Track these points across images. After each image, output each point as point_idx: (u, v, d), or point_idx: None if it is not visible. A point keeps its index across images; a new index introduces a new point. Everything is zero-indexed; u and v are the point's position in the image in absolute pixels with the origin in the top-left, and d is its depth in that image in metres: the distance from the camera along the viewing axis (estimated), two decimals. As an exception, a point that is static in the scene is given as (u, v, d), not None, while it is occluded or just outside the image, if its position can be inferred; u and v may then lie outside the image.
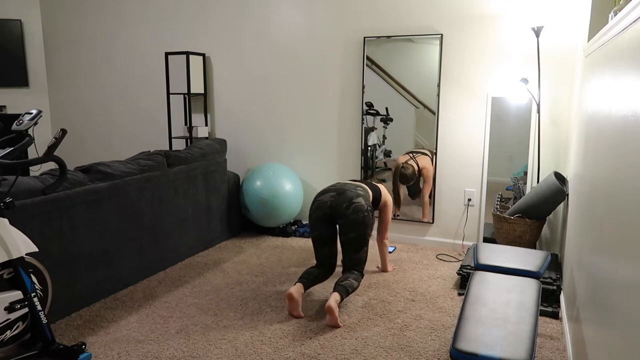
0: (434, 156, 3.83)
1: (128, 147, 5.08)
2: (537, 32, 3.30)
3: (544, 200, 3.14)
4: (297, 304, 2.67)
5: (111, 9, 4.92)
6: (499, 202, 3.58)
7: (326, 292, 3.04)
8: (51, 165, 5.17)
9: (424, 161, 3.82)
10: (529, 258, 2.84)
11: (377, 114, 3.97)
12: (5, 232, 2.07)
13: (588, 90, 2.37)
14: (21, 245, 2.13)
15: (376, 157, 4.04)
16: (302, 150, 4.33)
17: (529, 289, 2.12)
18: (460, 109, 3.72)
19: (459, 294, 3.01)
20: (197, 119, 4.67)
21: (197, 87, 4.44)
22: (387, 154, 4.00)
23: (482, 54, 3.61)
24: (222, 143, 4.04)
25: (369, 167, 4.07)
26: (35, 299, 2.16)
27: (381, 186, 3.25)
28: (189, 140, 4.49)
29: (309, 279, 2.76)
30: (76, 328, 2.57)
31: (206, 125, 4.62)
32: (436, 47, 3.70)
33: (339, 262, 3.54)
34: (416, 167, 3.83)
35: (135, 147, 5.04)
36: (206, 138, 4.50)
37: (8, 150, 2.12)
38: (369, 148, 4.05)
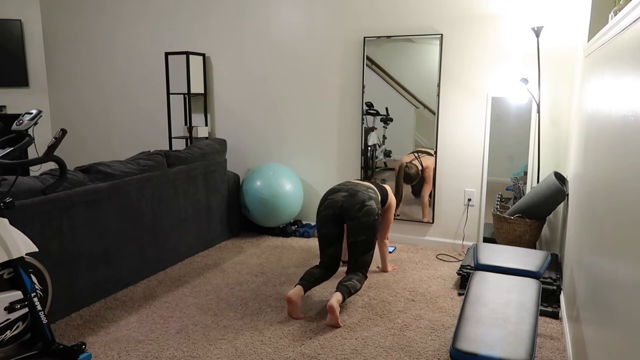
0: (435, 156, 3.83)
1: (128, 147, 5.08)
2: (537, 32, 3.30)
3: (544, 200, 3.14)
4: (296, 307, 2.67)
5: (111, 9, 4.92)
6: (499, 202, 3.58)
7: (326, 292, 3.04)
8: (51, 165, 5.17)
9: (428, 161, 3.82)
10: (529, 258, 2.84)
11: (377, 114, 3.97)
12: (5, 232, 2.07)
13: (588, 90, 2.37)
14: (21, 245, 2.13)
15: (376, 157, 4.04)
16: (302, 150, 4.33)
17: (529, 289, 2.12)
18: (460, 109, 3.72)
19: (459, 294, 3.01)
20: (197, 119, 4.67)
21: (197, 87, 4.44)
22: (387, 154, 4.00)
23: (482, 54, 3.61)
24: (222, 143, 4.04)
25: (369, 167, 4.07)
26: (35, 299, 2.16)
27: (388, 187, 3.25)
28: (189, 140, 4.49)
29: (310, 280, 2.76)
30: (76, 328, 2.57)
31: (206, 125, 4.62)
32: (436, 47, 3.70)
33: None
34: (420, 167, 3.83)
35: (135, 147, 5.04)
36: (206, 138, 4.50)
37: (8, 150, 2.12)
38: (369, 148, 4.04)
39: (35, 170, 4.89)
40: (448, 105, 3.75)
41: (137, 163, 3.16)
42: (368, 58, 3.93)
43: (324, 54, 4.12)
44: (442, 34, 3.68)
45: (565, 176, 3.28)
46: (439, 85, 3.74)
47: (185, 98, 4.54)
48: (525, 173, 3.56)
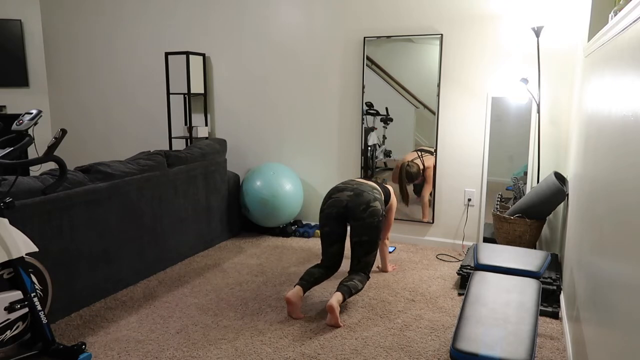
0: (435, 156, 3.83)
1: (128, 147, 5.08)
2: (537, 32, 3.30)
3: (544, 200, 3.14)
4: (296, 307, 2.66)
5: (111, 9, 4.92)
6: (499, 202, 3.58)
7: (326, 292, 3.04)
8: (51, 165, 5.17)
9: (430, 161, 3.82)
10: (529, 258, 2.84)
11: (377, 114, 3.97)
12: (5, 232, 2.07)
13: (588, 90, 2.37)
14: (21, 245, 2.13)
15: (376, 157, 4.04)
16: (302, 150, 4.33)
17: (529, 289, 2.12)
18: (460, 109, 3.72)
19: (459, 294, 3.01)
20: (197, 119, 4.67)
21: (197, 87, 4.44)
22: (387, 154, 4.00)
23: (482, 54, 3.61)
24: (222, 143, 4.04)
25: (369, 167, 4.07)
26: (35, 299, 2.16)
27: (390, 188, 3.24)
28: (189, 140, 4.49)
29: (310, 280, 2.75)
30: (76, 328, 2.57)
31: (206, 125, 4.62)
32: (436, 47, 3.70)
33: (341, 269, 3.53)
34: (421, 167, 3.82)
35: (135, 147, 5.04)
36: (206, 138, 4.50)
37: (8, 150, 2.12)
38: (369, 148, 4.04)
39: (35, 170, 4.89)
40: (448, 105, 3.75)
41: (137, 163, 3.16)
42: (368, 58, 3.93)
43: (324, 54, 4.12)
44: (442, 34, 3.68)
45: (565, 176, 3.28)
46: (439, 85, 3.74)
47: (185, 98, 4.54)
48: (525, 173, 3.56)
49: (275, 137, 4.42)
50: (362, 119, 4.02)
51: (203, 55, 4.50)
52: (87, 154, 5.28)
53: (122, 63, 4.97)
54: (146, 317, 2.69)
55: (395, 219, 4.02)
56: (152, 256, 3.27)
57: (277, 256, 3.70)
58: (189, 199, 3.58)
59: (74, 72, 5.22)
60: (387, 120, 3.95)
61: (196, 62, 4.41)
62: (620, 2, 2.06)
